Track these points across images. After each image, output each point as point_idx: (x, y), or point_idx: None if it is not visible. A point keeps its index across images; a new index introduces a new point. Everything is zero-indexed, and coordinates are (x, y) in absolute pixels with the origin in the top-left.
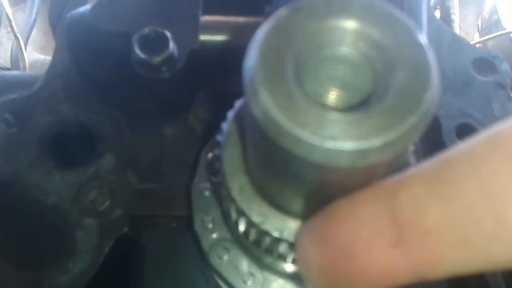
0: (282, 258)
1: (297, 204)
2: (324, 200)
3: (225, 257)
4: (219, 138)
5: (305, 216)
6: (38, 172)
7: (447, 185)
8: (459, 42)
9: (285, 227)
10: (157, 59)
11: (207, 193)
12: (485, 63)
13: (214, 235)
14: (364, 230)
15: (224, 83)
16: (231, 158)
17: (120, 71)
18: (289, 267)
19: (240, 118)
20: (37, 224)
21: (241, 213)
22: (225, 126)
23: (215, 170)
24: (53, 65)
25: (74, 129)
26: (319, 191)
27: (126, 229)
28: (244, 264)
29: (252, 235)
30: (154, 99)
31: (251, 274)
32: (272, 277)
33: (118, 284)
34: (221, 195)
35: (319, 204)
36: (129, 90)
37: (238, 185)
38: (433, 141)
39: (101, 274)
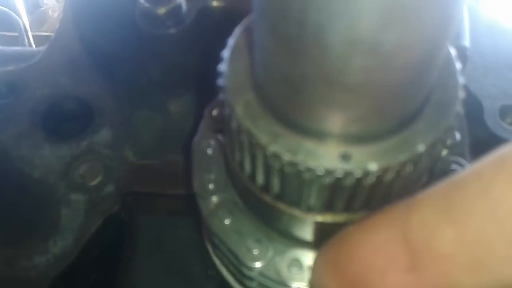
0: (296, 205)
1: (318, 107)
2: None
3: (228, 221)
4: (224, 53)
5: (326, 135)
6: (27, 144)
7: (457, 209)
8: (498, 26)
9: (299, 148)
10: (162, 10)
11: (209, 151)
12: None
13: (216, 197)
14: (378, 256)
15: None
16: (236, 72)
17: (125, 39)
18: (305, 227)
19: (249, 30)
20: (19, 198)
21: (245, 135)
22: (231, 41)
23: (220, 126)
24: (56, 38)
25: (72, 102)
26: (346, 69)
27: (117, 207)
28: (250, 230)
29: (260, 170)
30: (159, 65)
31: (258, 241)
32: (283, 246)
33: (105, 269)
34: (224, 128)
35: (342, 100)
36: (132, 61)
37: (244, 101)
38: (475, 122)
39: (86, 256)
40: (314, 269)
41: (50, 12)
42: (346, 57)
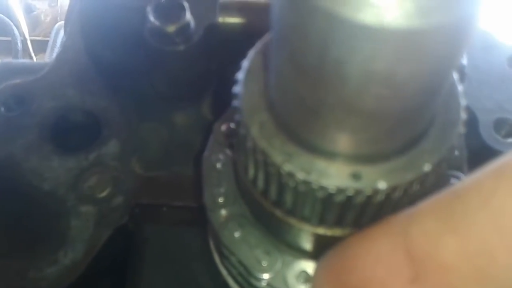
0: (307, 220)
1: (332, 129)
2: (359, 124)
3: (238, 234)
4: (238, 75)
5: (338, 154)
6: (36, 156)
7: (458, 219)
8: (492, 40)
9: (312, 167)
10: (171, 28)
11: (219, 166)
12: None
13: (226, 210)
14: (379, 267)
15: None
16: (251, 94)
17: (132, 53)
18: (314, 241)
19: (265, 52)
20: (29, 210)
21: (260, 154)
22: (245, 63)
23: (229, 142)
24: (63, 50)
25: (79, 114)
26: (362, 97)
27: (126, 219)
28: (259, 242)
29: (273, 186)
30: (166, 79)
31: (267, 253)
32: (291, 258)
33: (114, 279)
34: (237, 147)
35: (355, 128)
36: (139, 75)
37: (259, 122)
38: (470, 135)
39: (95, 267)
40: (316, 279)
41: (42, 16)
42: (362, 86)
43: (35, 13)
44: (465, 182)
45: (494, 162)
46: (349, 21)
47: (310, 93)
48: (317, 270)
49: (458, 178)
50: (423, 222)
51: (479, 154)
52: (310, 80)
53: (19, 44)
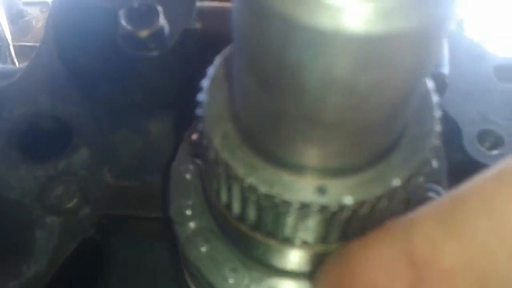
0: (272, 236)
1: (295, 141)
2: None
3: (204, 249)
4: (203, 82)
5: (303, 168)
6: (3, 164)
7: (459, 224)
8: (478, 49)
9: (276, 180)
10: (144, 33)
11: (188, 176)
12: (507, 70)
13: (193, 224)
14: (381, 273)
15: None
16: (215, 102)
17: (105, 58)
18: (282, 257)
19: (229, 60)
20: None
21: (222, 166)
22: (211, 70)
23: (199, 151)
24: (36, 55)
25: (50, 121)
26: (322, 107)
27: (92, 230)
28: (226, 258)
29: (236, 200)
30: (140, 86)
31: (234, 270)
32: (259, 274)
33: None
34: (202, 158)
35: (318, 140)
36: (113, 81)
37: (222, 131)
38: (453, 147)
39: (60, 281)
40: (317, 286)
41: (34, 22)
42: (322, 96)
43: (26, 18)
44: (466, 187)
45: (494, 166)
46: (303, 26)
47: (271, 102)
48: (318, 277)
49: (436, 192)
50: (424, 227)
51: (462, 167)
52: (270, 89)
53: (7, 50)
